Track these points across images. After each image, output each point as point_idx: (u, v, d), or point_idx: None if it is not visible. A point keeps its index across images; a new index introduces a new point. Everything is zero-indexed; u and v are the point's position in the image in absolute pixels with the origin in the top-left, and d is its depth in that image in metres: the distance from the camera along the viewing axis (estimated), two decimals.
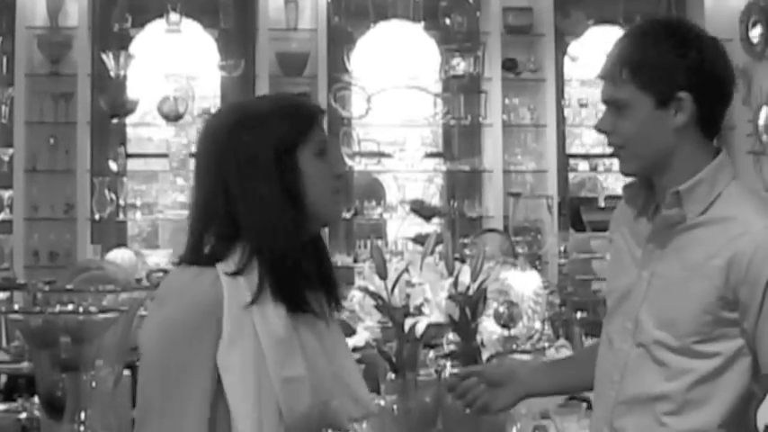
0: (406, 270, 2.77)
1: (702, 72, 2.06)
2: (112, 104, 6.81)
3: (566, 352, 3.55)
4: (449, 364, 2.87)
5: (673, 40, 2.08)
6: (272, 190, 1.90)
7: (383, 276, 2.72)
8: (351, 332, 3.03)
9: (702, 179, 2.08)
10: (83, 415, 2.18)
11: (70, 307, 2.25)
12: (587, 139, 7.81)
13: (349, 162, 7.06)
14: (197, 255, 1.91)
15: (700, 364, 2.05)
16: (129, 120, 7.00)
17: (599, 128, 2.17)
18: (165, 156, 7.00)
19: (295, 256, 1.91)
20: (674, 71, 2.06)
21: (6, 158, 6.78)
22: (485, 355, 2.82)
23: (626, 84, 2.08)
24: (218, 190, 1.92)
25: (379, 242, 6.47)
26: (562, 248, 7.11)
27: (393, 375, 2.74)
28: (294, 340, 1.88)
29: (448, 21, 7.27)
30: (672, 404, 2.07)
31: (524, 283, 3.59)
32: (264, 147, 1.91)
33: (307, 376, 1.88)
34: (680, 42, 2.07)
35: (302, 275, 1.92)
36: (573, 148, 7.73)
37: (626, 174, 2.20)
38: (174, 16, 6.91)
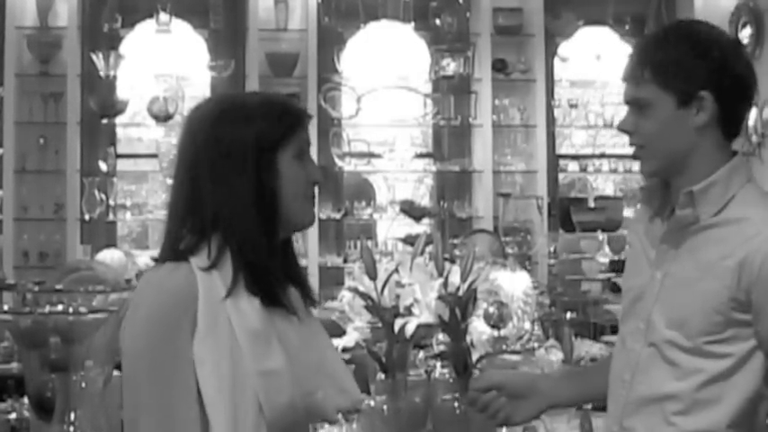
0: (396, 270, 2.77)
1: (724, 72, 2.07)
2: (102, 105, 6.80)
3: (555, 352, 3.55)
4: (438, 364, 2.87)
5: (694, 40, 2.09)
6: (247, 185, 1.90)
7: (373, 277, 2.72)
8: (340, 332, 3.03)
9: (716, 181, 2.09)
10: (72, 415, 2.18)
11: (60, 307, 2.24)
12: (577, 140, 7.82)
13: (339, 162, 7.07)
14: (174, 252, 1.91)
15: (711, 364, 2.04)
16: (118, 120, 6.98)
17: (621, 128, 2.17)
18: (154, 156, 6.98)
19: (264, 252, 1.91)
20: (695, 70, 2.06)
21: None
22: (474, 356, 2.82)
23: (648, 83, 2.09)
24: (194, 179, 1.91)
25: (369, 243, 6.48)
26: (552, 249, 7.12)
27: (383, 376, 2.74)
28: (271, 333, 1.88)
29: (438, 21, 7.27)
30: (681, 404, 2.06)
31: (514, 284, 3.59)
32: (246, 141, 1.91)
33: (286, 368, 1.87)
34: (701, 43, 2.09)
35: (271, 272, 1.92)
36: (563, 148, 7.73)
37: (646, 174, 2.20)
38: (163, 16, 6.90)
